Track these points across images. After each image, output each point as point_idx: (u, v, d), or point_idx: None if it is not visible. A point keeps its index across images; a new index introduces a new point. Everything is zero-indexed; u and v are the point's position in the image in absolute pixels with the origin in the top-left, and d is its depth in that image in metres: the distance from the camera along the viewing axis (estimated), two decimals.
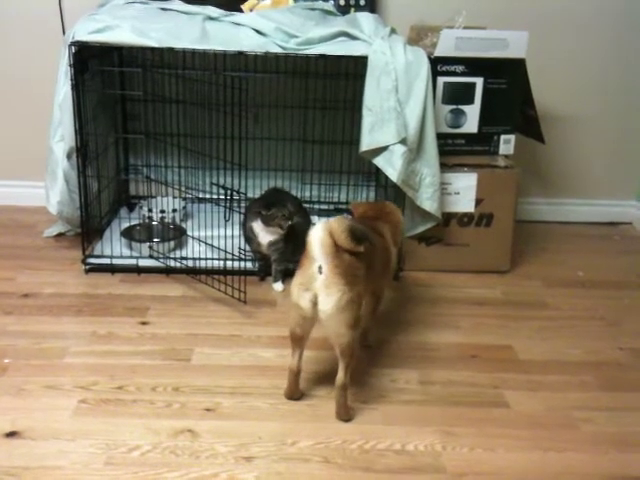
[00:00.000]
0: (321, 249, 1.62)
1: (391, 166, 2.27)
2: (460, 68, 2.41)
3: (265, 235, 2.35)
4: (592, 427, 1.75)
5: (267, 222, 2.31)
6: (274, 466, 1.56)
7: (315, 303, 1.64)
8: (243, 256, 2.28)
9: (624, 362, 2.05)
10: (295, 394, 1.79)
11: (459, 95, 2.45)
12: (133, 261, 2.41)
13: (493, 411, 1.80)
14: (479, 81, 2.44)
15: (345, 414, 1.73)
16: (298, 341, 1.74)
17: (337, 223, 1.63)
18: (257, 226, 2.35)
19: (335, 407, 1.73)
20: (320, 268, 1.63)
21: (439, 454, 1.63)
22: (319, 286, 1.63)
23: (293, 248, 2.28)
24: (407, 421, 1.74)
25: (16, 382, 1.81)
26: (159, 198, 2.70)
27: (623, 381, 1.96)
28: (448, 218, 2.49)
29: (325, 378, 1.88)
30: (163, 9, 2.45)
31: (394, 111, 2.23)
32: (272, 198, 2.38)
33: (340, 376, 1.70)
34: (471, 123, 2.49)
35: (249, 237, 2.40)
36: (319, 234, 1.62)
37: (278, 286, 2.36)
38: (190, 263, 2.38)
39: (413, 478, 1.55)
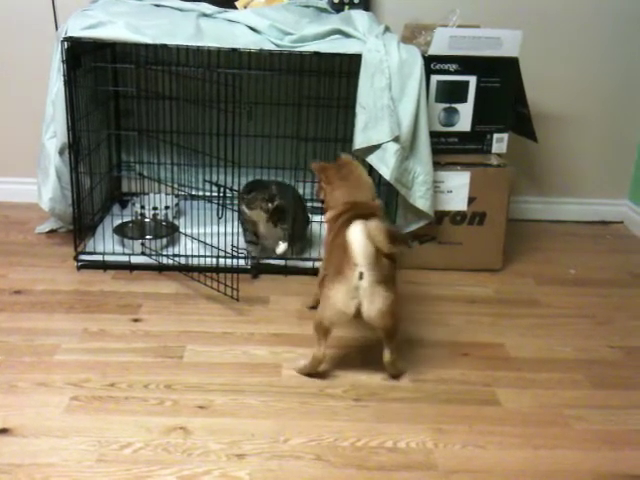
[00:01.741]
0: (364, 258, 1.68)
1: (384, 164, 2.27)
2: (453, 66, 2.42)
3: (256, 216, 2.37)
4: (583, 425, 1.76)
5: (249, 205, 2.33)
6: (266, 463, 1.56)
7: (359, 308, 1.73)
8: (236, 254, 2.28)
9: (615, 360, 2.06)
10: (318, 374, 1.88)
11: (452, 93, 2.45)
12: (125, 258, 2.40)
13: (484, 409, 1.80)
14: (472, 80, 2.44)
15: (399, 374, 1.89)
16: (326, 333, 1.81)
17: (377, 229, 1.69)
18: (246, 209, 2.37)
19: (388, 373, 1.88)
20: (362, 274, 1.70)
21: (431, 451, 1.63)
22: (363, 294, 1.71)
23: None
24: (399, 419, 1.74)
25: (7, 379, 1.80)
26: (152, 195, 2.70)
27: (614, 379, 1.97)
28: (441, 216, 2.49)
29: (317, 375, 1.88)
30: (157, 5, 2.45)
31: (387, 109, 2.24)
32: (257, 183, 2.40)
33: (387, 355, 1.84)
34: (464, 122, 2.49)
35: (243, 221, 2.42)
36: (362, 241, 1.67)
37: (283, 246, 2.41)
38: (183, 260, 2.38)
39: (405, 475, 1.56)
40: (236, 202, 2.38)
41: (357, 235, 1.69)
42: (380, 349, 1.85)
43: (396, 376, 1.89)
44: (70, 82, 2.24)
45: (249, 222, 2.41)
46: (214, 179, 2.23)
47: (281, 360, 1.95)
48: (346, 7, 2.67)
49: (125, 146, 2.88)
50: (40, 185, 2.47)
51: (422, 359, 2.00)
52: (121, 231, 2.53)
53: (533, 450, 1.66)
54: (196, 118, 2.64)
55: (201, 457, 1.57)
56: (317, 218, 2.55)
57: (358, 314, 1.75)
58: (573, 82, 2.95)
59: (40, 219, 2.68)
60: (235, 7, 2.53)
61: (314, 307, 2.10)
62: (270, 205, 2.33)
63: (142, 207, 2.64)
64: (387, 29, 2.37)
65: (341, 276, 1.72)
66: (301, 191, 2.77)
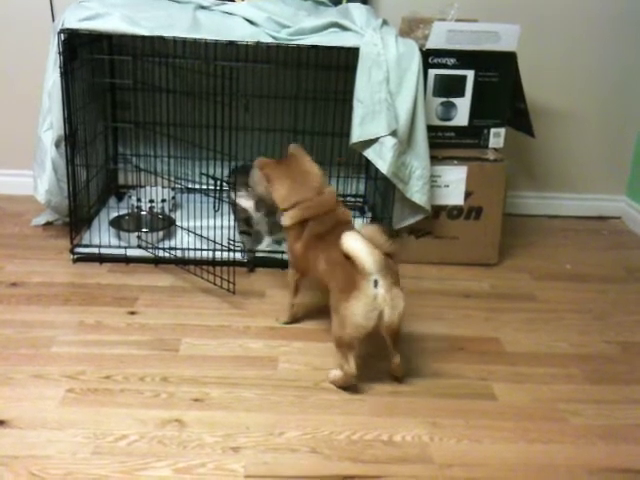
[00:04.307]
0: (376, 265, 1.66)
1: (381, 158, 2.27)
2: (451, 61, 2.41)
3: (245, 202, 2.38)
4: (578, 419, 1.76)
5: (232, 187, 2.34)
6: (261, 456, 1.57)
7: (380, 317, 1.71)
8: (232, 247, 2.28)
9: (610, 355, 2.07)
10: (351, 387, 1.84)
11: (450, 88, 2.45)
12: (121, 251, 2.40)
13: (480, 403, 1.81)
14: (470, 74, 2.44)
15: (403, 376, 1.87)
16: (351, 347, 1.76)
17: (374, 232, 1.71)
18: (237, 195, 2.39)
19: (392, 373, 1.86)
20: (376, 282, 1.68)
21: (426, 445, 1.64)
22: (383, 302, 1.69)
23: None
24: (394, 412, 1.75)
25: (3, 371, 1.80)
26: (148, 188, 2.69)
27: (609, 374, 1.97)
28: (437, 211, 2.49)
29: (314, 369, 1.89)
30: None
31: (385, 103, 2.23)
32: (241, 169, 2.40)
33: (397, 359, 1.83)
34: (461, 116, 2.49)
35: (234, 210, 2.43)
36: (367, 249, 1.66)
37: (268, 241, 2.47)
38: (179, 253, 2.38)
39: (400, 469, 1.56)
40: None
41: (359, 245, 1.67)
42: (376, 341, 1.85)
43: (401, 379, 1.87)
44: (66, 74, 2.23)
45: (240, 210, 2.41)
46: (211, 172, 2.23)
47: (277, 353, 1.95)
48: (344, 0, 2.66)
49: (121, 139, 2.87)
50: (36, 177, 2.46)
51: (418, 353, 2.00)
52: (117, 224, 2.52)
53: (528, 444, 1.67)
54: (193, 111, 2.63)
55: (196, 450, 1.57)
56: None
57: (376, 326, 1.72)
58: (571, 77, 2.95)
59: (36, 211, 2.67)
60: None
61: (291, 322, 2.09)
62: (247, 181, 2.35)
63: (138, 200, 2.64)
64: (385, 23, 2.37)
65: (356, 291, 1.68)
66: None
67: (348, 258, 1.69)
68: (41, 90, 2.36)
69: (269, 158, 2.09)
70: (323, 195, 1.97)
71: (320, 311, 2.16)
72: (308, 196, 1.96)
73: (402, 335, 1.81)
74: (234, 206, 2.44)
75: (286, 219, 1.97)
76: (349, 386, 1.82)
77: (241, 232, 2.46)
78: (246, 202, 2.39)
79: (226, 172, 2.36)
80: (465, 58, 2.41)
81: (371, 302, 1.69)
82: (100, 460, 1.52)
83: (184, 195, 2.78)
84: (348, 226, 1.89)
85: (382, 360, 1.89)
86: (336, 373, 1.82)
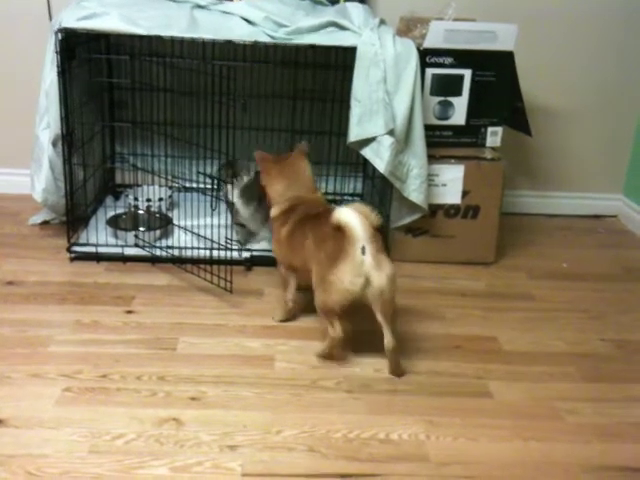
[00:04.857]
0: (365, 232, 1.74)
1: (379, 157, 2.27)
2: (449, 60, 2.41)
3: (235, 197, 2.39)
4: (575, 417, 1.77)
5: (221, 180, 2.36)
6: (258, 455, 1.57)
7: (366, 285, 1.76)
8: (230, 246, 2.28)
9: (607, 353, 2.07)
10: (344, 357, 1.91)
11: (447, 87, 2.45)
12: (119, 250, 2.40)
13: (477, 401, 1.81)
14: (467, 73, 2.44)
15: (401, 370, 1.88)
16: (336, 315, 1.83)
17: (362, 206, 1.80)
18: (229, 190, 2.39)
19: (390, 367, 1.87)
20: (363, 249, 1.74)
21: (423, 443, 1.64)
22: (369, 267, 1.75)
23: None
24: (391, 411, 1.75)
25: (0, 370, 1.80)
26: (145, 187, 2.70)
27: (606, 372, 1.98)
28: (435, 210, 2.49)
29: (311, 368, 1.89)
30: None
31: (382, 102, 2.23)
32: (229, 163, 2.40)
33: (390, 339, 1.84)
34: (459, 115, 2.49)
35: (227, 202, 2.44)
36: (358, 217, 1.74)
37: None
38: (176, 252, 2.38)
39: (397, 467, 1.56)
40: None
41: (351, 214, 1.76)
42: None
43: (399, 374, 1.88)
44: (64, 73, 2.23)
45: (230, 203, 2.42)
46: (208, 171, 2.23)
47: (274, 352, 1.95)
48: (341, 0, 2.66)
49: (119, 138, 2.87)
50: (33, 176, 2.46)
51: (414, 351, 2.00)
52: (114, 223, 2.52)
53: (524, 442, 1.67)
54: (190, 110, 2.63)
55: (193, 448, 1.57)
56: None
57: (363, 294, 1.78)
58: (568, 76, 2.95)
59: (33, 210, 2.67)
60: None
61: (286, 320, 2.11)
62: (232, 173, 2.38)
63: (135, 199, 2.64)
64: (382, 22, 2.37)
65: (343, 255, 1.76)
66: None
67: (338, 229, 1.77)
68: (39, 89, 2.36)
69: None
70: (315, 194, 2.11)
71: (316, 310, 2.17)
72: (301, 194, 2.06)
73: (398, 331, 1.82)
74: (227, 199, 2.44)
75: (274, 210, 2.08)
76: (336, 355, 1.87)
77: (236, 223, 2.46)
78: (236, 197, 2.39)
79: (223, 172, 2.37)
80: (462, 57, 2.41)
81: (358, 266, 1.75)
82: (97, 459, 1.52)
83: (181, 194, 2.78)
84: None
85: (379, 358, 1.90)
86: (320, 347, 1.90)
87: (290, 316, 2.11)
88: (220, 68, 2.02)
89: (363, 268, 1.75)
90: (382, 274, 1.77)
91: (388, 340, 1.84)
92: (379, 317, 1.82)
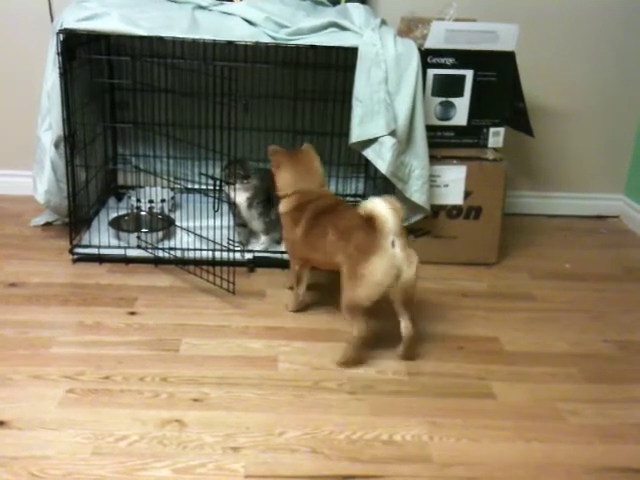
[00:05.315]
0: (396, 225, 1.78)
1: (380, 158, 2.27)
2: (450, 60, 2.41)
3: (238, 197, 2.39)
4: (577, 418, 1.77)
5: (226, 181, 2.34)
6: (261, 456, 1.57)
7: (397, 278, 1.81)
8: (232, 247, 2.28)
9: (609, 354, 2.07)
10: (364, 360, 1.93)
11: (449, 87, 2.45)
12: (121, 251, 2.40)
13: (479, 402, 1.81)
14: (469, 74, 2.44)
15: (415, 354, 1.95)
16: (362, 312, 1.85)
17: (392, 199, 1.83)
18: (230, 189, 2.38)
19: (405, 352, 1.94)
20: (393, 242, 1.78)
21: (426, 444, 1.64)
22: (400, 259, 1.80)
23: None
24: (394, 412, 1.75)
25: (3, 372, 1.80)
26: (147, 188, 2.70)
27: (608, 373, 1.98)
28: (437, 210, 2.49)
29: (313, 369, 1.89)
30: None
31: (384, 103, 2.23)
32: (234, 162, 2.39)
33: (410, 326, 1.90)
34: (460, 116, 2.49)
35: (229, 202, 2.44)
36: (390, 211, 1.78)
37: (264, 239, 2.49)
38: (179, 254, 2.38)
39: (400, 468, 1.56)
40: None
41: (384, 206, 1.78)
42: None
43: (412, 357, 1.94)
44: (65, 74, 2.23)
45: (232, 203, 2.42)
46: (210, 172, 2.22)
47: (277, 353, 1.95)
48: (342, 0, 2.67)
49: (121, 139, 2.87)
50: (35, 177, 2.46)
51: (417, 352, 2.00)
52: (117, 224, 2.52)
53: (527, 443, 1.67)
54: (192, 111, 2.63)
55: (196, 450, 1.57)
56: None
57: (391, 287, 1.82)
58: (570, 76, 2.95)
59: (35, 212, 2.67)
60: None
61: (298, 311, 2.16)
62: (243, 174, 2.38)
63: (138, 200, 2.64)
64: (383, 22, 2.37)
65: (375, 249, 1.78)
66: None
67: (368, 220, 1.79)
68: (40, 90, 2.36)
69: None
70: (323, 189, 2.13)
71: (319, 311, 2.17)
72: (309, 188, 2.09)
73: (397, 332, 1.82)
74: (228, 201, 2.44)
75: (283, 205, 2.10)
76: (357, 359, 1.90)
77: (237, 224, 2.46)
78: (239, 197, 2.39)
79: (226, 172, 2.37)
80: (464, 58, 2.41)
81: (391, 260, 1.79)
82: (100, 460, 1.53)
83: (183, 195, 2.78)
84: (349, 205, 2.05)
85: (382, 359, 1.90)
86: (342, 354, 1.90)
87: (302, 307, 2.17)
88: (221, 69, 2.02)
89: (395, 260, 1.79)
90: (411, 268, 1.81)
91: (407, 327, 1.90)
92: (400, 307, 1.87)
